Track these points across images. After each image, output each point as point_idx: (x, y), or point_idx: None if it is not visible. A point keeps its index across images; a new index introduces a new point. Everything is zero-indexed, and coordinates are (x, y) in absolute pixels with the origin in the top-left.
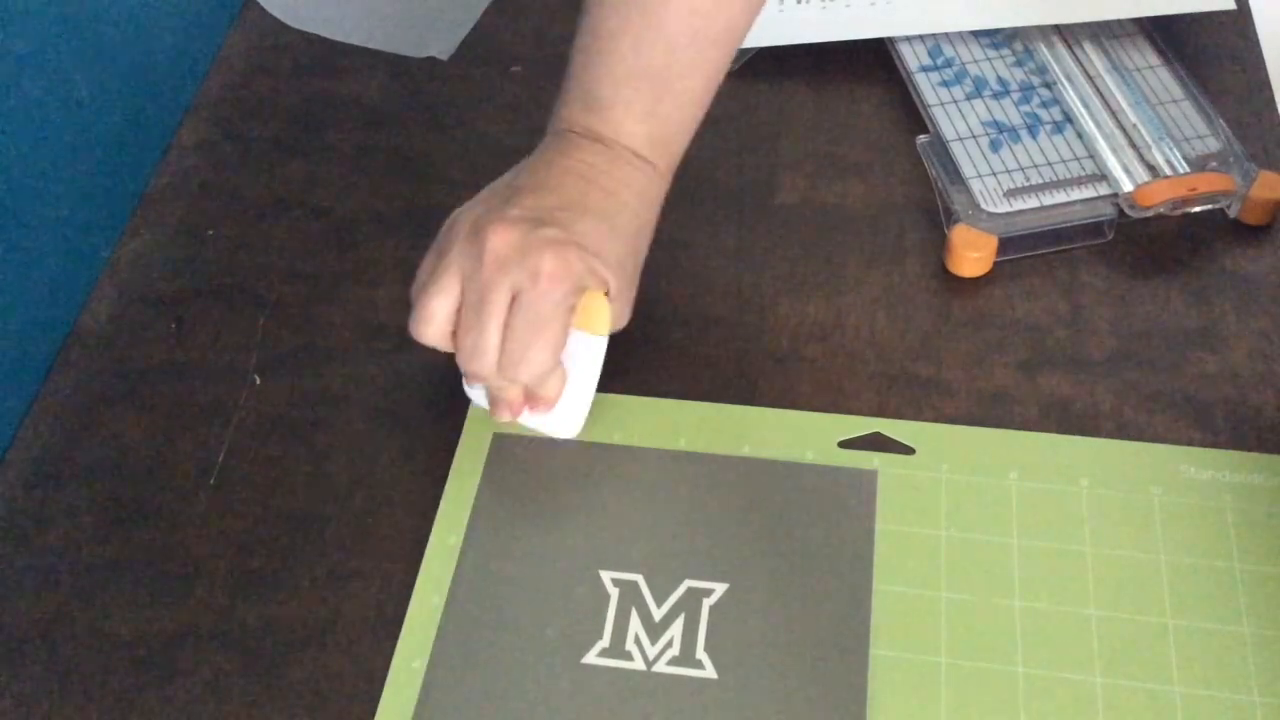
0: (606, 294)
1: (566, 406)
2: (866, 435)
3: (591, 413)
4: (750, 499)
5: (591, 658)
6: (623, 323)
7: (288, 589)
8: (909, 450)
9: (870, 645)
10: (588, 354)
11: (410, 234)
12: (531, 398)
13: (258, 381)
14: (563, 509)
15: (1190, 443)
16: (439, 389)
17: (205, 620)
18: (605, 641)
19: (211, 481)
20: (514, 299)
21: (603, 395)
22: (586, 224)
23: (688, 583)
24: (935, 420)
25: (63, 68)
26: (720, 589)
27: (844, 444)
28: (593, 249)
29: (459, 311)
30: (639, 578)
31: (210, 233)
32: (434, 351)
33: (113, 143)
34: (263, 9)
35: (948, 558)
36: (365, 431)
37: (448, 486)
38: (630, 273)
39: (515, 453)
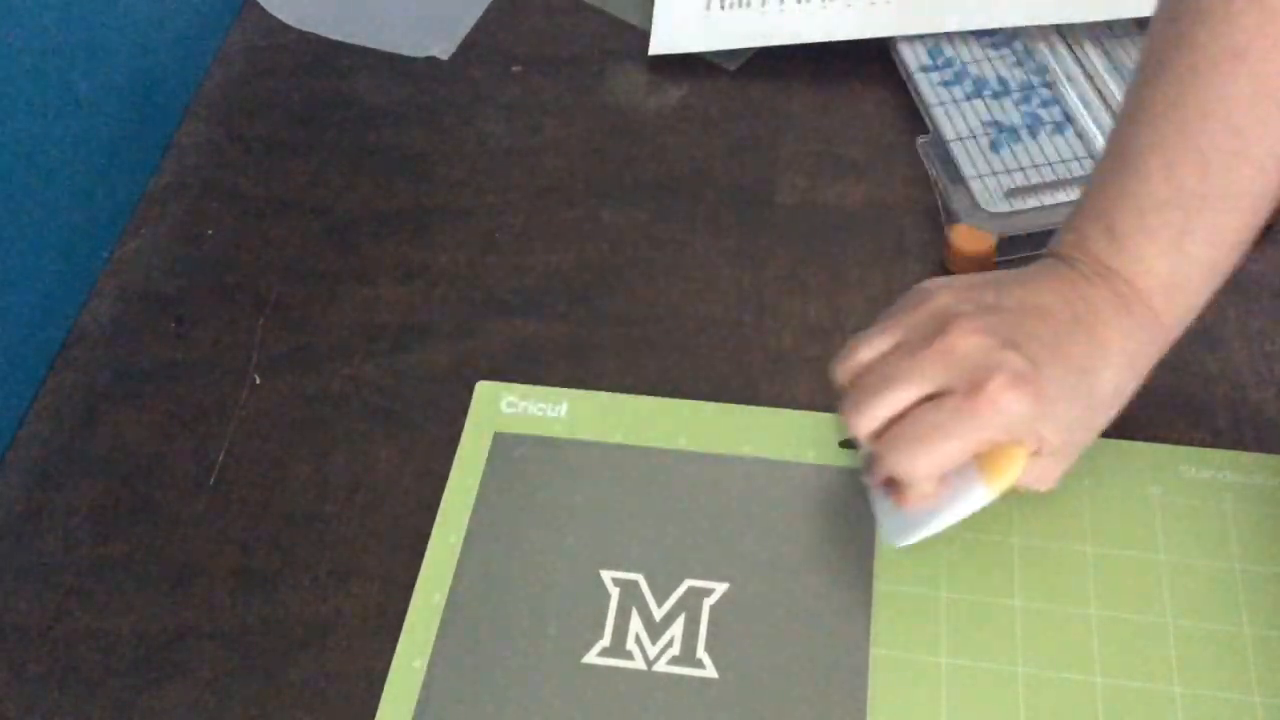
0: (1036, 451)
1: (909, 520)
2: None
3: (592, 411)
4: (751, 498)
5: (592, 657)
6: (1044, 486)
7: (288, 589)
8: None
9: (870, 645)
10: (968, 494)
11: (410, 234)
12: (892, 482)
13: (258, 381)
14: (563, 508)
15: (1190, 443)
16: (439, 389)
17: (205, 620)
18: (606, 641)
19: (211, 481)
20: (936, 395)
21: (605, 394)
22: (1057, 370)
23: (688, 582)
24: None
25: (63, 68)
26: (721, 588)
27: (845, 444)
28: (1049, 400)
29: (875, 362)
30: (639, 577)
31: (210, 233)
32: (434, 352)
33: (113, 143)
34: (263, 9)
35: (947, 557)
36: (365, 431)
37: (448, 486)
38: (1077, 439)
39: (516, 452)
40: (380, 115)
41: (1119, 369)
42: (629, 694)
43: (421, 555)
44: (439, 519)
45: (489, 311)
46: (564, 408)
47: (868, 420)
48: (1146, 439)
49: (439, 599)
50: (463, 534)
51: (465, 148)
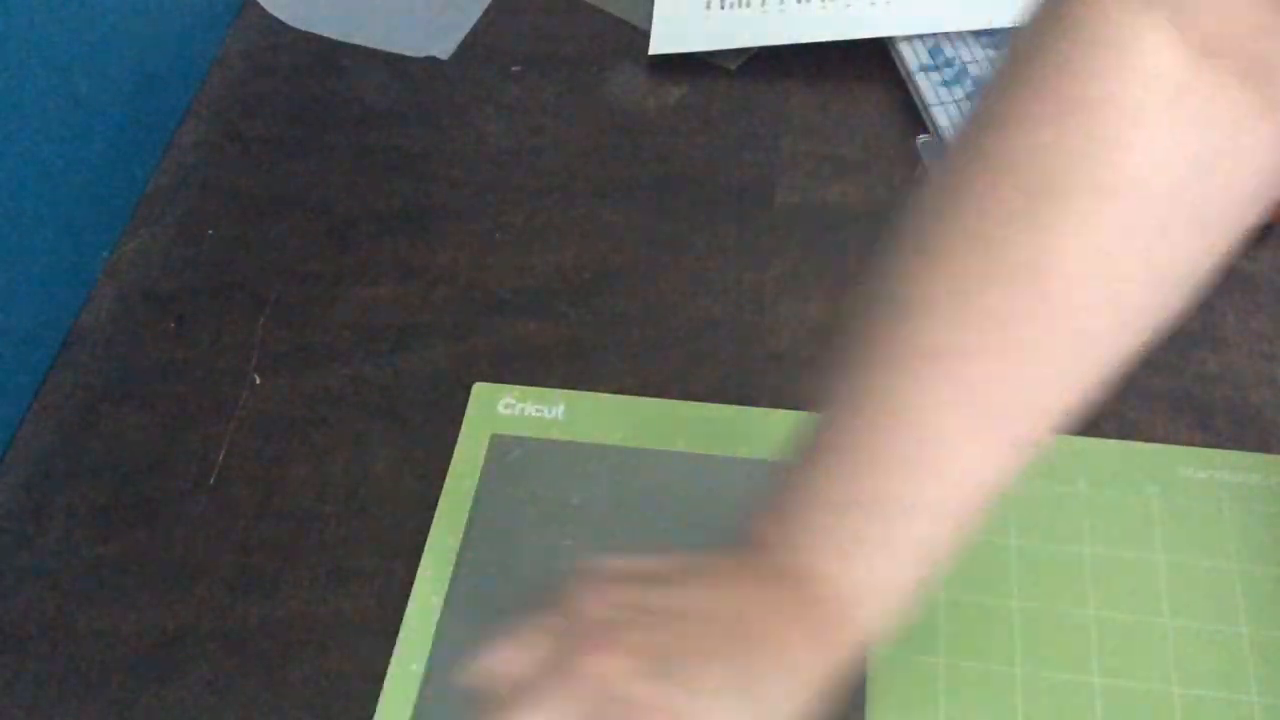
0: None
1: None
2: None
3: (589, 412)
4: (749, 500)
5: None
6: None
7: (288, 589)
8: None
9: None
10: None
11: (410, 234)
12: None
13: (258, 381)
14: (560, 510)
15: (1190, 443)
16: (439, 389)
17: (205, 620)
18: None
19: (211, 481)
20: None
21: (602, 395)
22: (716, 695)
23: None
24: None
25: (63, 67)
26: None
27: None
28: None
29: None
30: None
31: (210, 232)
32: (434, 352)
33: (113, 143)
34: (263, 9)
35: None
36: (365, 431)
37: (445, 487)
38: None
39: (513, 454)
40: (380, 115)
41: (795, 686)
42: None
43: (420, 555)
44: (436, 521)
45: (489, 311)
46: (561, 409)
47: None
48: (1147, 439)
49: (436, 601)
50: (460, 536)
51: (465, 148)
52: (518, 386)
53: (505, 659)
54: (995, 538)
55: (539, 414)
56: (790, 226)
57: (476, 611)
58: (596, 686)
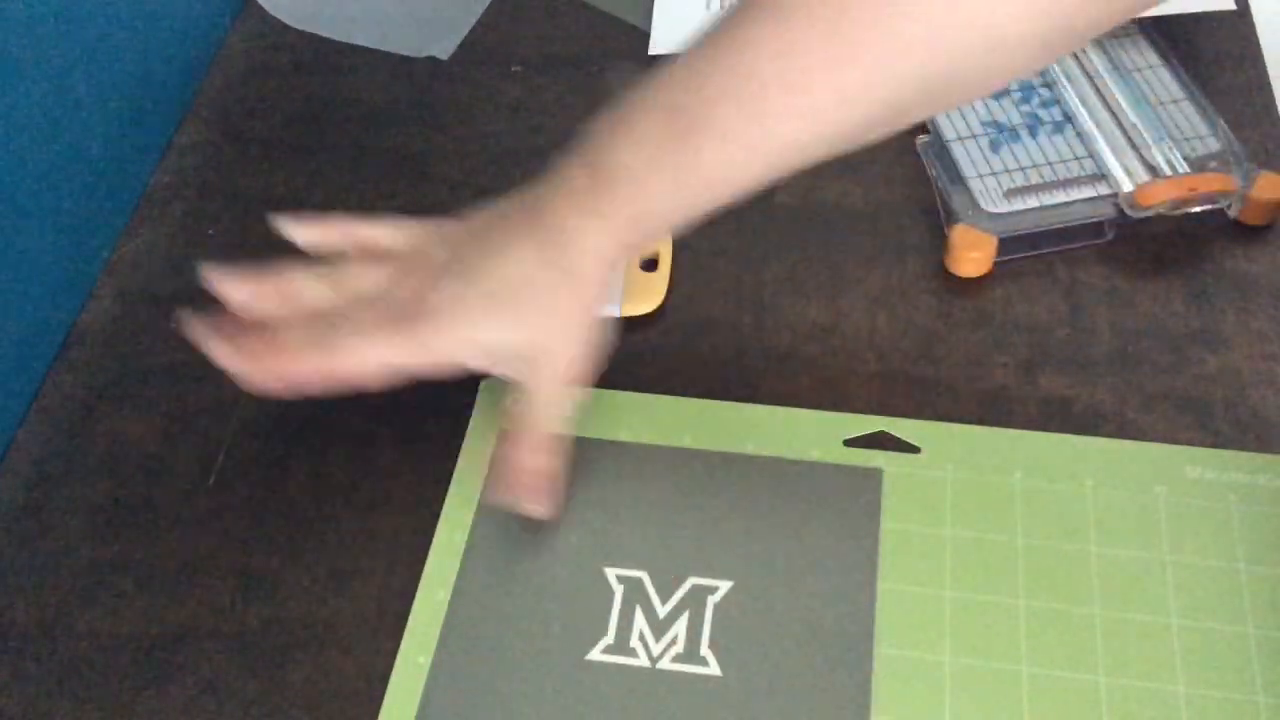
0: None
1: None
2: (872, 434)
3: (596, 409)
4: (755, 496)
5: (596, 654)
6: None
7: (288, 589)
8: (914, 449)
9: (875, 643)
10: None
11: None
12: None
13: None
14: (568, 505)
15: (1191, 443)
16: (439, 389)
17: (205, 620)
18: (610, 638)
19: (211, 481)
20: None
21: (607, 392)
22: (464, 265)
23: (692, 580)
24: (936, 419)
25: (63, 68)
26: (725, 586)
27: (849, 442)
28: (485, 325)
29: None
30: (643, 574)
31: (210, 232)
32: None
33: (113, 143)
34: (263, 9)
35: (953, 557)
36: (365, 431)
37: (453, 483)
38: (565, 335)
39: None
40: (380, 115)
41: (579, 251)
42: (632, 691)
43: (421, 555)
44: (443, 516)
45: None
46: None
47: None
48: (1147, 439)
49: (443, 595)
50: (467, 531)
51: (465, 148)
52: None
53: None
54: (1002, 537)
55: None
56: (790, 226)
57: (483, 607)
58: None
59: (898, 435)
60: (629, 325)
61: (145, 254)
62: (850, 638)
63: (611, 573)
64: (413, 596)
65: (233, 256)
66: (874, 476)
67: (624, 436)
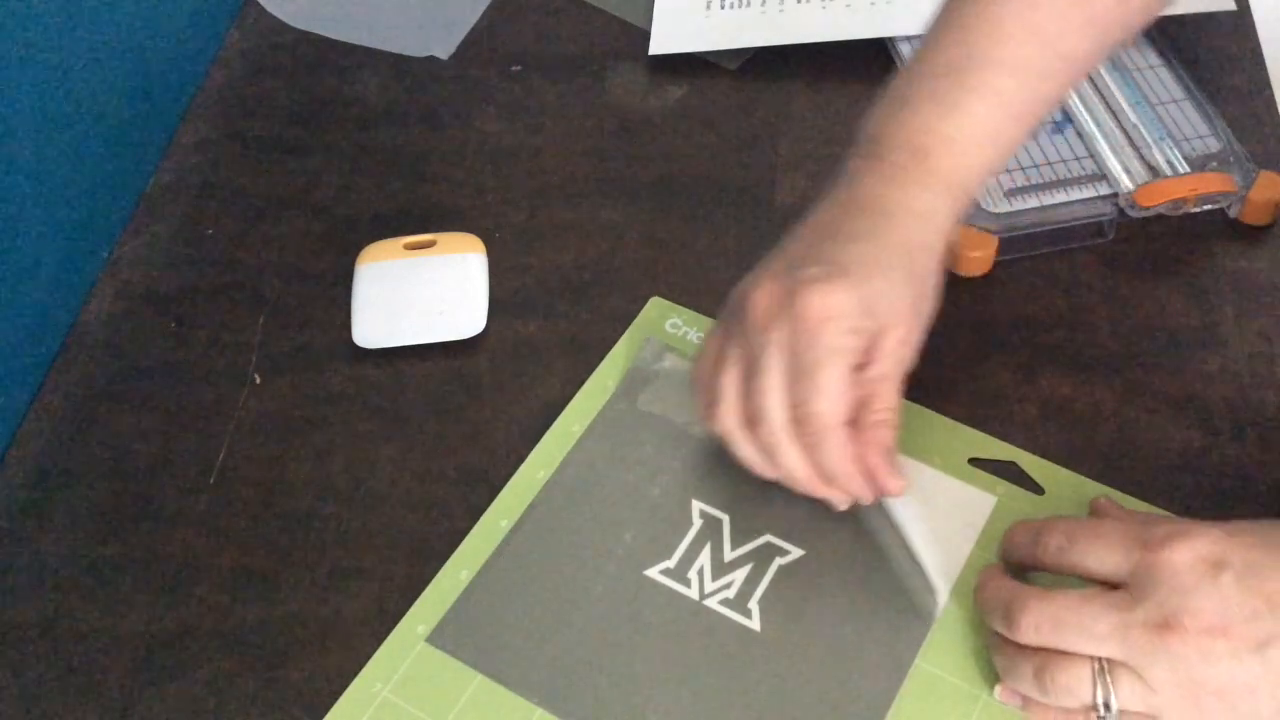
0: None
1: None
2: (1000, 461)
3: None
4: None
5: (654, 572)
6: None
7: (288, 589)
8: (1038, 490)
9: (917, 656)
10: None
11: (410, 233)
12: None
13: (258, 381)
14: (680, 430)
15: (1189, 443)
16: (439, 389)
17: (205, 620)
18: (671, 562)
19: (211, 481)
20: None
21: None
22: (852, 251)
23: (768, 537)
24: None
25: (63, 68)
26: (796, 554)
27: (974, 462)
28: (863, 276)
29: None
30: (726, 518)
31: (210, 232)
32: (434, 351)
33: (113, 143)
34: (263, 9)
35: None
36: (365, 431)
37: (592, 375)
38: (912, 303)
39: (660, 363)
40: (380, 115)
41: (910, 230)
42: (674, 618)
43: (421, 554)
44: (571, 405)
45: (489, 311)
46: None
47: (766, 421)
48: (1147, 439)
49: (543, 475)
50: (587, 424)
51: (465, 148)
52: (688, 310)
53: (713, 376)
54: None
55: (699, 341)
56: (790, 226)
57: (573, 497)
58: (762, 311)
59: (1026, 470)
60: (627, 325)
61: (145, 254)
62: (895, 643)
63: (698, 506)
64: (414, 596)
65: (233, 256)
66: (983, 503)
67: None
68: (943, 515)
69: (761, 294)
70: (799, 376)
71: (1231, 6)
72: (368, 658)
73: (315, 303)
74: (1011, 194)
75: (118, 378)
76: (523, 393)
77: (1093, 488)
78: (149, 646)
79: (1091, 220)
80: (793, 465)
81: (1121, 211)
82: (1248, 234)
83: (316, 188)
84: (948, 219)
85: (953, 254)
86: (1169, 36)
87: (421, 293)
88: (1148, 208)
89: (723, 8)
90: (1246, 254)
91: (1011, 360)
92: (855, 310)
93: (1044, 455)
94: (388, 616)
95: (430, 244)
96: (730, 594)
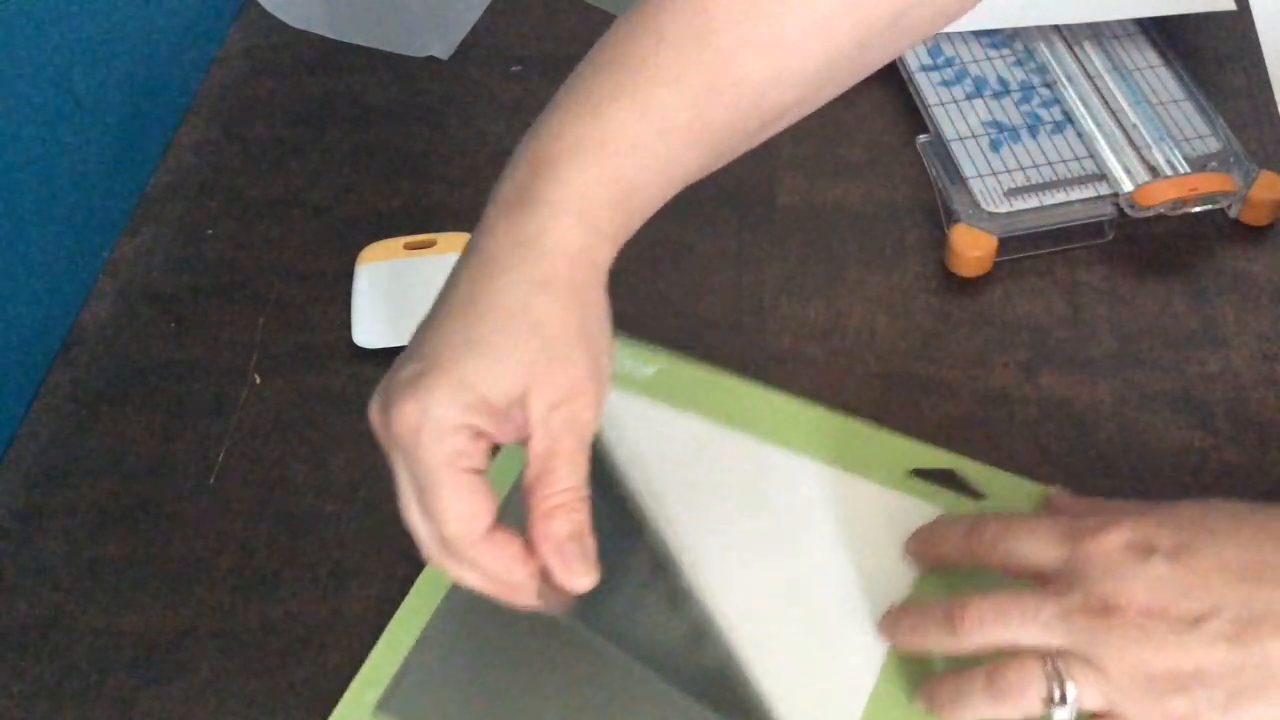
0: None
1: None
2: (940, 470)
3: (675, 380)
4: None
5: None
6: (592, 423)
7: (288, 589)
8: (979, 496)
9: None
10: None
11: (410, 233)
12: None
13: (258, 381)
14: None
15: (1189, 443)
16: None
17: (205, 620)
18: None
19: (211, 481)
20: None
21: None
22: (445, 332)
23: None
24: (1003, 466)
25: (63, 68)
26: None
27: (915, 473)
28: (453, 361)
29: None
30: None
31: (210, 232)
32: None
33: (113, 143)
34: (263, 9)
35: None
36: (365, 431)
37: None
38: (546, 358)
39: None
40: (380, 115)
41: (518, 271)
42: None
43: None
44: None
45: None
46: (652, 370)
47: (425, 548)
48: (1146, 439)
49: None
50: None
51: (465, 147)
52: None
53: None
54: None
55: (631, 370)
56: (790, 227)
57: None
58: (377, 434)
59: (966, 477)
60: (627, 325)
61: (145, 254)
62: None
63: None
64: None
65: (233, 256)
66: (929, 515)
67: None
68: (887, 531)
69: (371, 414)
70: (420, 497)
71: (1231, 6)
72: (367, 658)
73: (315, 303)
74: (1011, 194)
75: (118, 378)
76: None
77: (1033, 489)
78: (149, 646)
79: (1091, 220)
80: (473, 584)
81: (1121, 211)
82: (1248, 234)
83: (316, 188)
84: (579, 237)
85: (952, 254)
86: (1169, 36)
87: (421, 293)
88: (1148, 208)
89: None
90: (1246, 254)
91: (1011, 360)
92: (452, 406)
93: (1044, 455)
94: (387, 617)
95: (430, 244)
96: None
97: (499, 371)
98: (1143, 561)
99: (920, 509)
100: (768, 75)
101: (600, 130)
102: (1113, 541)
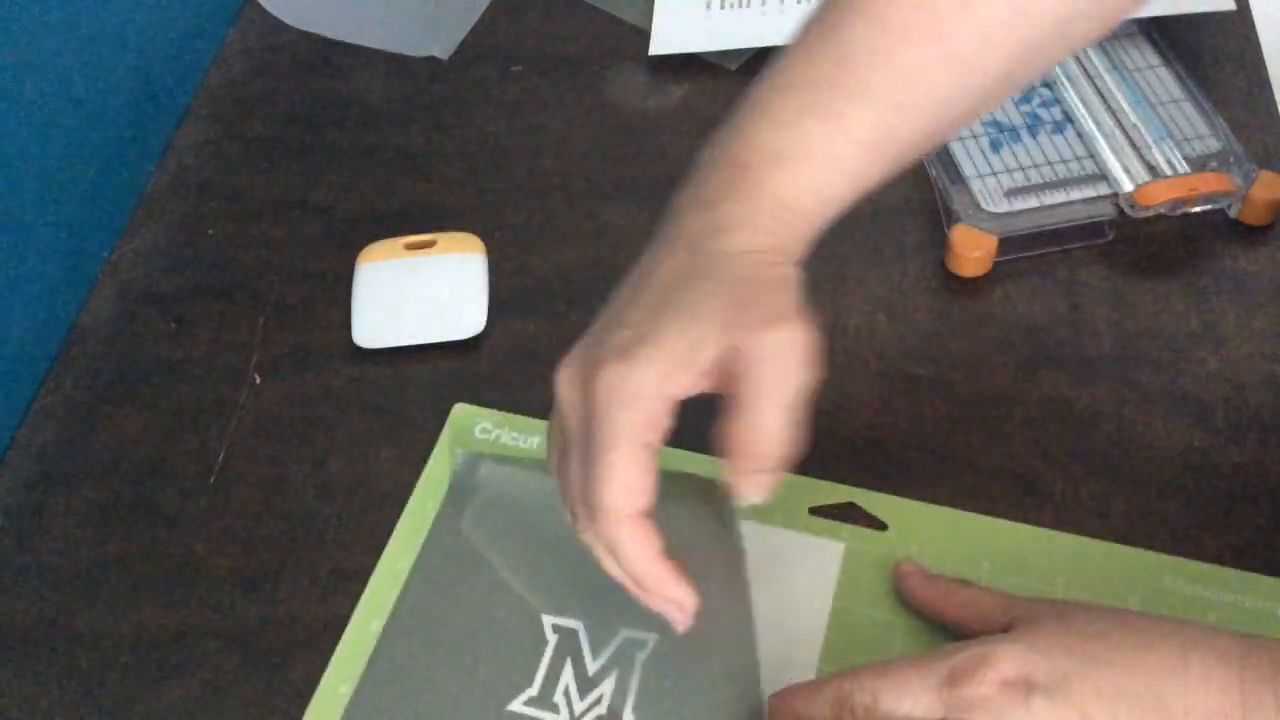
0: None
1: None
2: (839, 505)
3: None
4: (708, 551)
5: (517, 705)
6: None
7: (288, 589)
8: (881, 526)
9: None
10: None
11: (410, 233)
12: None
13: (258, 381)
14: (515, 548)
15: (1189, 442)
16: (439, 389)
17: (205, 620)
18: (534, 690)
19: (211, 481)
20: None
21: None
22: (656, 308)
23: (624, 633)
24: (907, 487)
25: (63, 68)
26: (651, 640)
27: (815, 511)
28: (661, 338)
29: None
30: (579, 625)
31: (210, 232)
32: (434, 351)
33: (113, 143)
34: (263, 9)
35: (902, 648)
36: (365, 431)
37: (407, 507)
38: (749, 331)
39: (481, 475)
40: (380, 115)
41: (730, 259)
42: None
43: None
44: (392, 540)
45: (489, 311)
46: (537, 440)
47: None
48: (1145, 440)
49: (377, 626)
50: (412, 560)
51: (465, 148)
52: (496, 412)
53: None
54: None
55: (514, 442)
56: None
57: (415, 641)
58: (564, 398)
59: (866, 509)
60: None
61: (145, 254)
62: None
63: (549, 621)
64: None
65: (233, 256)
66: (835, 551)
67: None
68: (794, 572)
69: (562, 381)
70: (590, 462)
71: (1231, 6)
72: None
73: (315, 303)
74: (1011, 194)
75: (118, 378)
76: (523, 393)
77: (932, 513)
78: (149, 646)
79: (1091, 220)
80: (607, 569)
81: (1121, 211)
82: (1248, 234)
83: (316, 188)
84: (773, 239)
85: (952, 254)
86: (1169, 37)
87: (421, 293)
88: (1148, 208)
89: (723, 8)
90: (1246, 254)
91: (1011, 360)
92: (657, 375)
93: (1044, 456)
94: None
95: (430, 244)
96: (603, 709)
97: (707, 327)
98: (1022, 703)
99: (825, 547)
100: (948, 90)
101: (798, 144)
102: (989, 683)
